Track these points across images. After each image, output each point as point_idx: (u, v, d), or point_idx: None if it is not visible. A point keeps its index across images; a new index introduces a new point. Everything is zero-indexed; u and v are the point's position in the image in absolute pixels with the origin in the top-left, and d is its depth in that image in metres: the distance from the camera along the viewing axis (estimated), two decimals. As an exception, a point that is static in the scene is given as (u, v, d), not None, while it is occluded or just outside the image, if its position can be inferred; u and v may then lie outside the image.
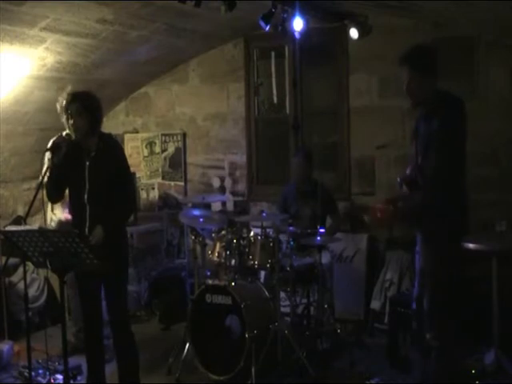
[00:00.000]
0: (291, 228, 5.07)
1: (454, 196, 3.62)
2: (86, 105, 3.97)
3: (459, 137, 3.58)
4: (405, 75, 3.63)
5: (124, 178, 4.11)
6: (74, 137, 3.96)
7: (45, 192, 3.98)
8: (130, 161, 7.19)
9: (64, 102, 3.97)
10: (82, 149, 4.01)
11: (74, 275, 4.26)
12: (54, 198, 4.18)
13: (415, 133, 3.75)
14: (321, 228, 5.01)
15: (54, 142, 4.04)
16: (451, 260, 3.63)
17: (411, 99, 3.69)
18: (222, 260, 4.95)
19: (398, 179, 3.82)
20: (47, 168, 3.95)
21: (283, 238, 4.98)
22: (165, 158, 7.30)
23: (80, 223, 4.00)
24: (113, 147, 4.15)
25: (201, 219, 5.23)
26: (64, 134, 4.00)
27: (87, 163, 3.99)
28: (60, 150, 3.91)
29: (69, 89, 4.11)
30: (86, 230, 3.95)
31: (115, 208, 3.98)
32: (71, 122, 3.94)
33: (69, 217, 4.47)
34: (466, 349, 3.89)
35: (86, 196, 3.97)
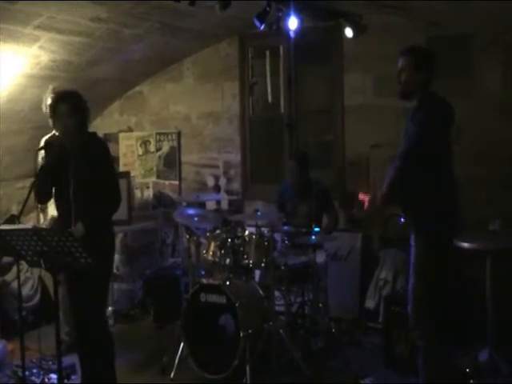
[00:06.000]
0: (286, 227, 5.07)
1: (441, 195, 3.64)
2: (75, 105, 3.95)
3: (431, 138, 3.60)
4: (400, 63, 3.78)
5: (108, 177, 4.04)
6: (62, 137, 3.94)
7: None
8: (125, 160, 7.32)
9: (50, 102, 3.95)
10: (67, 148, 3.99)
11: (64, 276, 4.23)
12: (44, 199, 4.15)
13: (405, 132, 3.79)
14: (316, 227, 5.01)
15: (46, 141, 4.02)
16: (439, 260, 3.64)
17: (400, 87, 3.79)
18: (217, 259, 4.94)
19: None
20: (41, 167, 3.94)
21: (278, 236, 4.98)
22: (159, 157, 7.29)
23: (66, 221, 3.97)
24: (98, 147, 4.12)
25: (195, 218, 5.22)
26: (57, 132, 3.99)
27: (72, 162, 3.95)
28: (53, 148, 3.89)
29: (52, 88, 4.07)
30: (72, 227, 3.91)
31: (96, 205, 3.93)
32: (59, 122, 3.92)
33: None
34: (453, 347, 3.89)
35: (71, 194, 3.94)
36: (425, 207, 3.64)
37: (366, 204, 3.78)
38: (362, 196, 3.80)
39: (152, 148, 7.32)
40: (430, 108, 3.65)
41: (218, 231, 5.04)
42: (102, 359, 4.09)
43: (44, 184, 3.95)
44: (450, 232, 3.76)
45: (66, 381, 4.58)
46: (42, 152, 3.98)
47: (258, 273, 5.39)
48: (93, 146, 4.05)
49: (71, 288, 4.08)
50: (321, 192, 5.46)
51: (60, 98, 3.95)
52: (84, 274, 3.71)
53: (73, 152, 3.98)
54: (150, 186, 7.32)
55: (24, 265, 5.21)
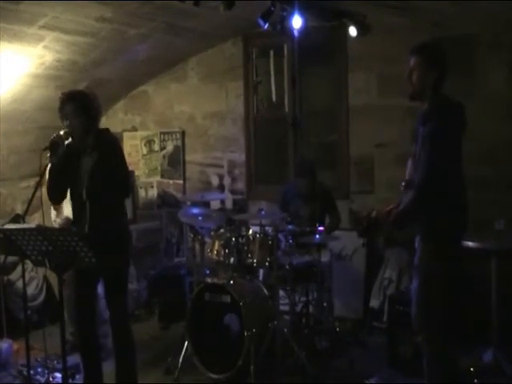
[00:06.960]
0: (290, 226, 5.07)
1: (450, 196, 3.60)
2: (81, 105, 3.96)
3: (449, 141, 3.56)
4: (411, 62, 3.67)
5: (121, 173, 4.04)
6: (70, 137, 3.93)
7: (45, 192, 3.97)
8: (129, 159, 7.28)
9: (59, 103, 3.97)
10: (79, 147, 3.98)
11: (72, 274, 4.24)
12: (57, 199, 4.15)
13: (415, 135, 3.74)
14: (320, 226, 5.01)
15: (51, 141, 4.02)
16: (446, 262, 3.61)
17: (411, 87, 3.70)
18: (221, 258, 4.95)
19: (402, 184, 3.80)
20: (45, 167, 3.94)
21: (282, 236, 4.98)
22: (164, 157, 7.30)
23: (80, 221, 3.99)
24: (110, 143, 4.10)
25: (200, 217, 5.22)
26: (62, 132, 3.99)
27: (85, 161, 3.96)
28: (58, 148, 3.90)
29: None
30: (86, 227, 3.92)
31: (109, 194, 3.96)
32: (67, 122, 3.94)
33: None
34: (457, 347, 3.87)
35: (84, 194, 3.94)
36: (434, 210, 3.60)
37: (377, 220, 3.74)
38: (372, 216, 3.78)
39: (156, 147, 7.33)
40: (442, 114, 3.55)
41: (222, 230, 5.04)
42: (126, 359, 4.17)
43: (53, 185, 3.97)
44: (457, 235, 3.73)
45: (70, 380, 4.59)
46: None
47: (261, 272, 5.38)
48: (105, 143, 4.04)
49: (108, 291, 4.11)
50: (323, 193, 5.46)
51: (66, 98, 3.97)
52: (120, 273, 3.91)
53: (84, 151, 3.99)
54: (155, 185, 7.33)
55: (29, 264, 5.22)
